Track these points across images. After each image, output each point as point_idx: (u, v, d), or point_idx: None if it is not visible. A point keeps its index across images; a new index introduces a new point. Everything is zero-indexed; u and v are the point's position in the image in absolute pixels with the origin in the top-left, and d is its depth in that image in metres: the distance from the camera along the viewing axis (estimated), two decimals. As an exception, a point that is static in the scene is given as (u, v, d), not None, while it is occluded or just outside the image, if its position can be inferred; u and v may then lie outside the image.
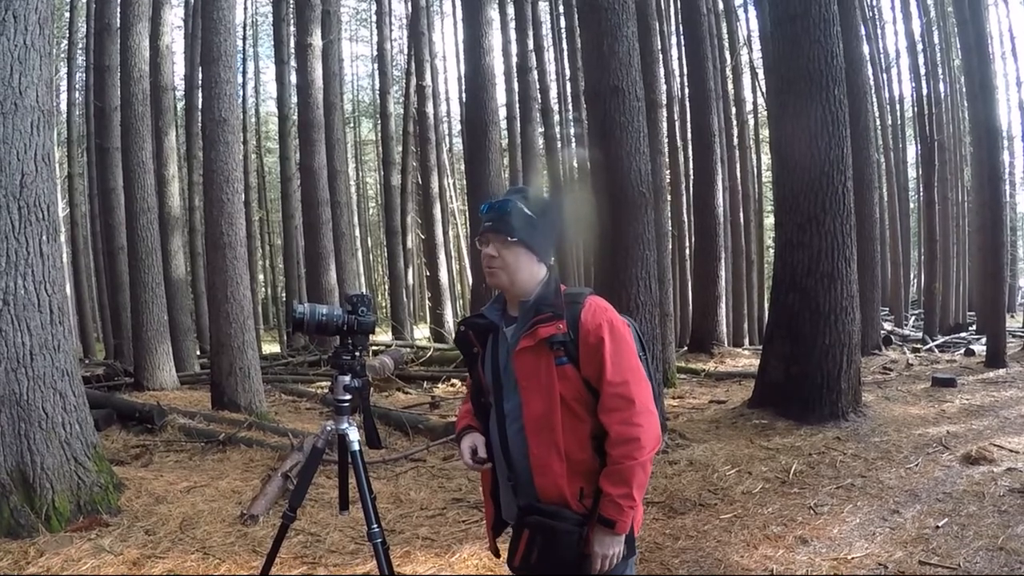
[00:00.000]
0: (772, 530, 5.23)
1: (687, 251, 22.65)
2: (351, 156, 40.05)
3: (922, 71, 25.59)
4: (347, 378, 3.36)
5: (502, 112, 23.02)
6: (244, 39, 31.99)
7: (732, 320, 20.75)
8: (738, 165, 24.08)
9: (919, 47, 26.30)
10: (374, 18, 33.28)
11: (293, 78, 20.86)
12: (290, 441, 7.50)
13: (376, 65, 31.85)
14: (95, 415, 6.57)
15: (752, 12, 26.52)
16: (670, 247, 19.76)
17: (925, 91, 25.16)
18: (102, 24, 15.02)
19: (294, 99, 20.84)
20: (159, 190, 14.40)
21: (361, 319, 3.34)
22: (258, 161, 33.18)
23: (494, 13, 14.50)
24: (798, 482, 6.35)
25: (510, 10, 23.38)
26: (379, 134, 32.94)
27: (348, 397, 3.37)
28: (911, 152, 35.89)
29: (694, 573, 4.62)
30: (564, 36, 26.16)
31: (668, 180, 20.24)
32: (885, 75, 30.76)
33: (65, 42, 26.44)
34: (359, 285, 28.25)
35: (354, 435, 3.37)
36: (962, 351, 15.51)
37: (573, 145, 25.78)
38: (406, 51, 29.81)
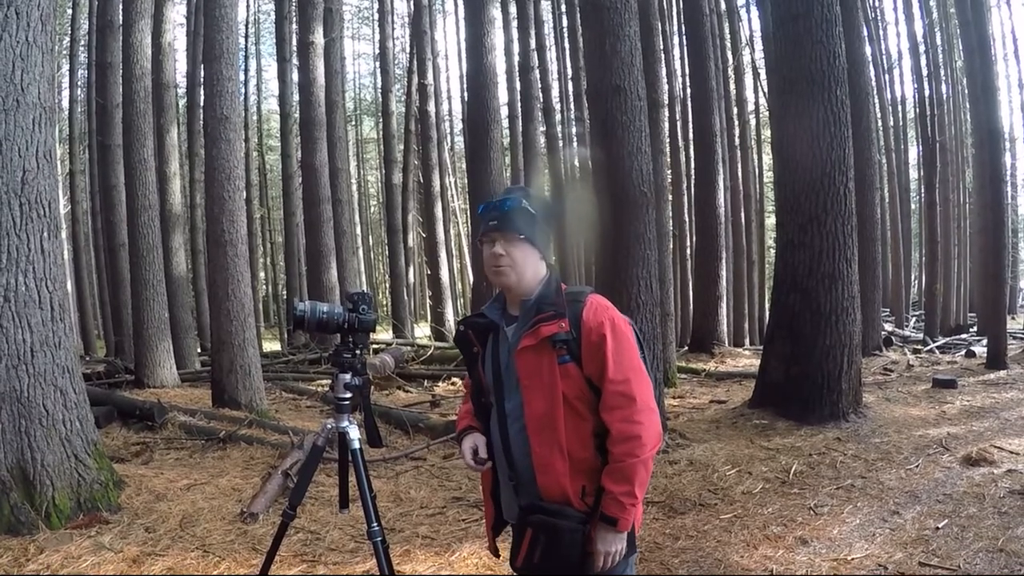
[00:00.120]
0: (772, 530, 5.23)
1: (688, 251, 22.63)
2: (353, 154, 40.05)
3: (924, 72, 25.58)
4: (348, 376, 3.36)
5: (504, 111, 22.99)
6: (246, 37, 32.01)
7: (733, 320, 20.74)
8: (739, 165, 24.05)
9: (921, 48, 26.31)
10: (376, 16, 33.33)
11: (295, 76, 20.84)
12: (290, 439, 7.50)
13: (378, 63, 31.85)
14: (96, 412, 6.58)
15: (754, 12, 26.55)
16: (671, 247, 19.75)
17: (927, 92, 25.16)
18: (104, 21, 15.00)
19: (296, 97, 20.83)
20: (160, 187, 14.42)
21: (362, 317, 3.34)
22: (260, 159, 33.18)
23: (496, 12, 14.48)
24: (798, 482, 6.35)
25: (512, 9, 23.36)
26: (381, 132, 32.95)
27: (349, 395, 3.37)
28: (913, 153, 35.90)
29: (694, 573, 4.62)
30: (566, 35, 26.10)
31: (669, 180, 20.23)
32: (887, 76, 30.77)
33: (67, 39, 26.45)
34: (360, 283, 28.28)
35: (354, 433, 3.37)
36: (963, 352, 15.49)
37: (575, 144, 25.75)
38: (408, 49, 29.76)
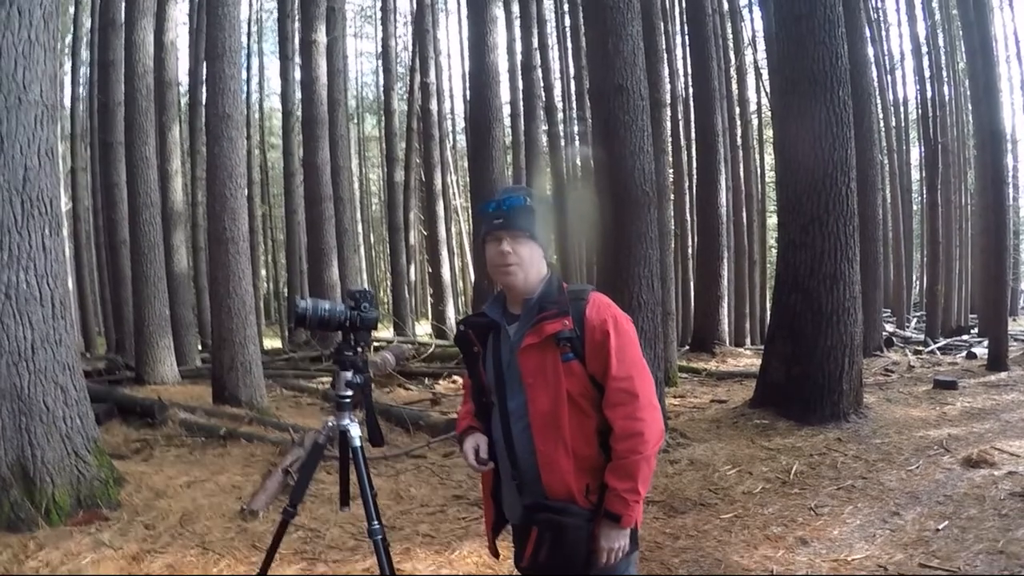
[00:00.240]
0: (772, 530, 5.24)
1: (690, 250, 22.61)
2: (354, 152, 40.01)
3: (927, 73, 25.55)
4: (349, 374, 3.35)
5: (506, 110, 22.97)
6: (248, 35, 31.94)
7: (734, 320, 20.72)
8: (741, 165, 24.03)
9: (924, 49, 26.27)
10: (379, 15, 33.35)
11: (297, 74, 20.83)
12: (291, 436, 7.51)
13: (380, 62, 31.76)
14: (96, 409, 6.58)
15: (757, 12, 26.48)
16: (672, 246, 19.75)
17: (929, 93, 25.12)
18: (107, 19, 15.00)
19: (298, 95, 20.80)
20: (162, 185, 14.41)
21: (363, 315, 3.34)
22: (261, 157, 33.12)
23: (499, 11, 14.45)
24: (799, 483, 6.35)
25: (515, 8, 23.37)
26: (383, 131, 32.95)
27: (350, 393, 3.37)
28: (915, 154, 35.77)
29: (694, 573, 4.62)
30: (569, 34, 26.13)
31: (671, 179, 20.23)
32: (889, 77, 30.77)
33: (69, 37, 26.44)
34: (361, 281, 28.29)
35: (355, 431, 3.37)
36: (964, 354, 15.46)
37: (577, 143, 25.73)
38: (410, 48, 29.70)
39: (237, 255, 9.63)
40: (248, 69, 30.95)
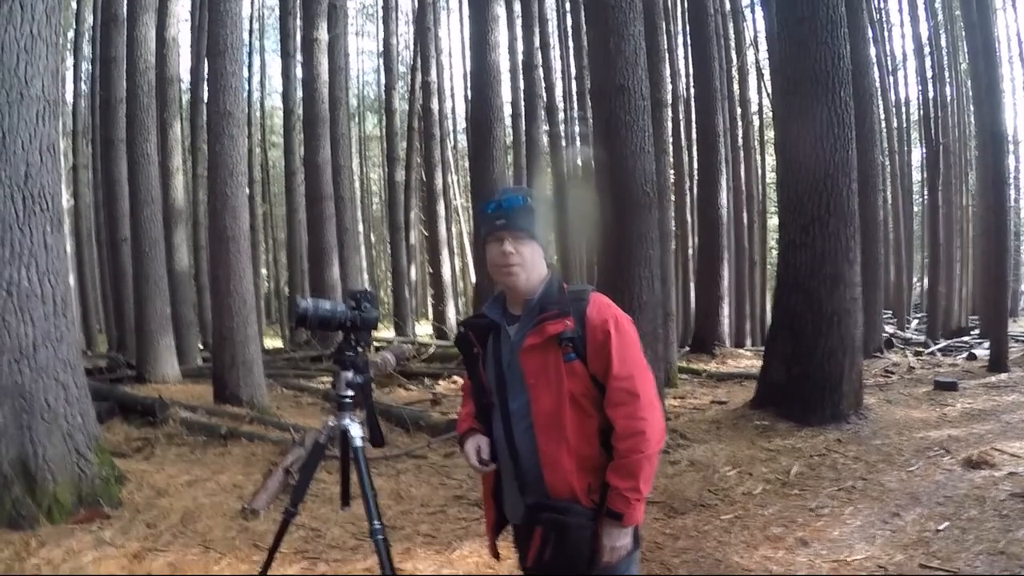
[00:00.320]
0: (772, 531, 5.24)
1: (690, 251, 22.62)
2: (355, 151, 39.98)
3: (929, 74, 25.54)
4: (350, 374, 3.35)
5: (507, 109, 22.98)
6: (250, 32, 31.90)
7: (734, 320, 20.72)
8: (742, 165, 24.02)
9: (926, 50, 26.27)
10: (380, 13, 33.26)
11: (299, 72, 20.82)
12: (291, 436, 7.51)
13: (382, 61, 31.69)
14: (97, 407, 6.58)
15: (759, 13, 26.40)
16: (673, 247, 19.74)
17: (931, 94, 25.12)
18: (109, 15, 15.00)
19: (299, 93, 20.81)
20: (163, 182, 14.40)
21: (364, 315, 3.34)
22: (262, 155, 33.10)
23: (500, 9, 14.43)
24: (799, 484, 6.35)
25: (516, 7, 23.34)
26: (384, 129, 32.93)
27: (351, 393, 3.37)
28: (916, 155, 35.82)
29: (694, 573, 4.62)
30: (570, 33, 26.09)
31: (672, 180, 20.21)
32: (891, 78, 30.72)
33: (71, 33, 26.44)
34: (362, 281, 28.25)
35: (356, 431, 3.37)
36: (964, 355, 15.47)
37: (578, 143, 25.73)
38: (412, 47, 29.71)
39: (238, 253, 9.64)
40: (249, 67, 30.94)
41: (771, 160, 28.52)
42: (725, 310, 17.64)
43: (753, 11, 27.66)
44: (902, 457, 7.06)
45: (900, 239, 29.05)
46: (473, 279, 23.51)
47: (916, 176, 35.79)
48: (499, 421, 2.58)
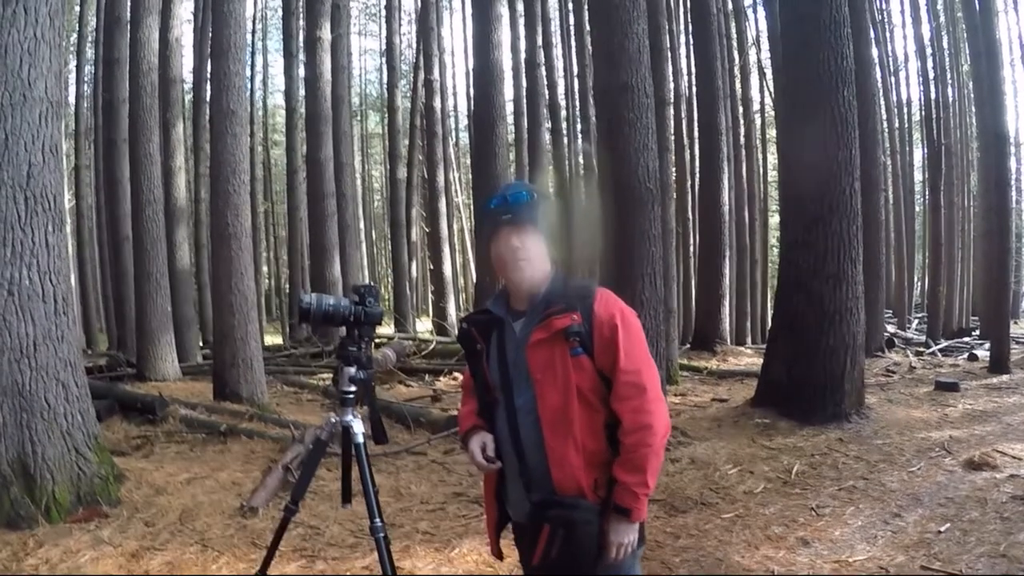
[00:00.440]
0: (773, 530, 5.23)
1: (692, 248, 22.62)
2: (357, 149, 39.97)
3: (931, 75, 25.49)
4: (352, 369, 3.34)
5: (509, 107, 22.96)
6: (253, 32, 31.91)
7: (735, 318, 20.70)
8: (744, 164, 24.00)
9: (928, 51, 26.23)
10: (383, 12, 33.21)
11: (301, 71, 20.86)
12: (291, 433, 7.51)
13: (384, 59, 31.69)
14: (97, 405, 6.57)
15: (761, 12, 26.41)
16: (675, 244, 19.72)
17: (933, 95, 25.06)
18: (112, 17, 15.02)
19: (302, 92, 20.83)
20: (165, 182, 14.40)
21: (368, 310, 3.33)
22: (264, 153, 33.10)
23: (503, 9, 14.48)
24: (800, 483, 6.34)
25: (519, 6, 23.33)
26: (386, 127, 32.92)
27: (353, 389, 3.36)
28: (918, 156, 35.83)
29: (695, 572, 4.61)
30: (573, 32, 26.12)
31: (674, 178, 20.20)
32: (893, 78, 30.70)
33: (75, 35, 26.44)
34: (363, 278, 28.25)
35: (358, 427, 3.36)
36: (965, 356, 15.45)
37: (580, 141, 25.70)
38: (415, 45, 29.75)
39: (239, 251, 9.63)
40: (252, 66, 30.96)
41: (772, 159, 28.49)
42: (726, 308, 17.64)
43: (755, 11, 27.70)
44: (903, 457, 7.04)
45: (901, 239, 29.06)
46: (474, 276, 23.48)
47: (918, 176, 35.79)
48: (503, 417, 2.57)
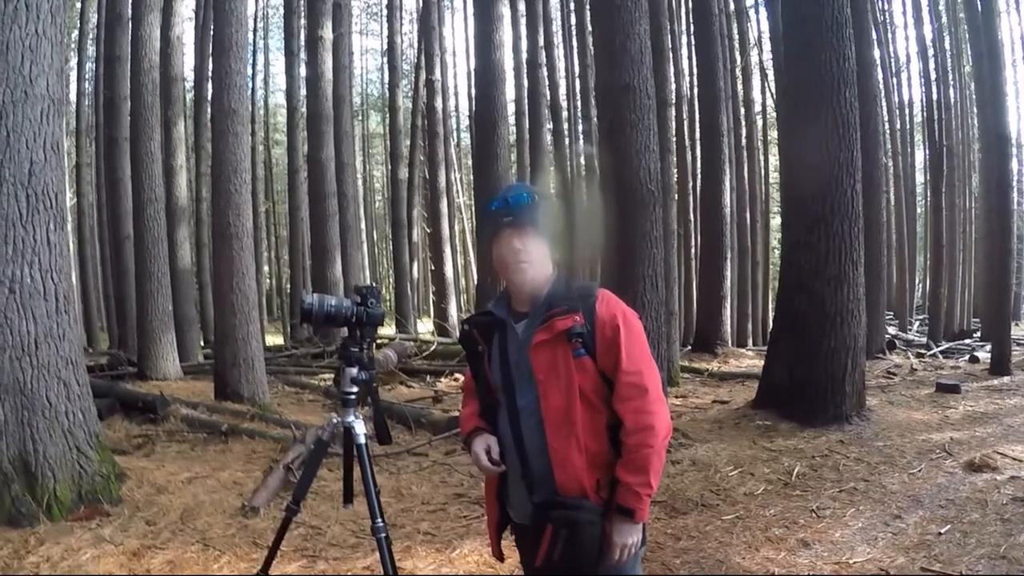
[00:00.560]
0: (774, 532, 5.22)
1: (693, 250, 22.64)
2: (359, 149, 39.95)
3: (932, 76, 25.48)
4: (355, 370, 3.34)
5: (511, 108, 22.96)
6: (255, 31, 31.92)
7: (736, 320, 20.71)
8: (746, 165, 24.00)
9: (930, 52, 26.20)
10: (385, 12, 33.22)
11: (303, 71, 20.86)
12: (292, 433, 7.52)
13: (386, 59, 31.66)
14: (98, 404, 6.57)
15: (763, 13, 26.38)
16: (676, 246, 19.73)
17: (935, 96, 25.04)
18: (113, 15, 15.03)
19: (303, 91, 20.85)
20: (167, 180, 14.41)
21: (370, 311, 3.33)
22: (266, 153, 33.14)
23: (505, 9, 14.49)
24: (801, 484, 6.34)
25: (521, 6, 23.33)
26: (387, 128, 32.96)
27: (355, 389, 3.36)
28: (919, 157, 35.79)
29: (695, 574, 4.61)
30: (574, 32, 26.11)
31: (676, 179, 20.19)
32: (895, 79, 30.66)
33: (76, 32, 26.42)
34: (364, 278, 28.23)
35: (360, 428, 3.36)
36: (966, 357, 15.46)
37: (581, 142, 25.70)
38: (416, 45, 29.77)
39: (241, 251, 9.64)
40: (253, 65, 30.94)
41: (774, 160, 28.49)
42: (727, 309, 17.64)
43: (757, 11, 27.66)
44: (904, 459, 7.04)
45: (903, 240, 29.04)
46: (475, 277, 23.48)
47: (919, 177, 35.76)
48: (506, 419, 2.57)
